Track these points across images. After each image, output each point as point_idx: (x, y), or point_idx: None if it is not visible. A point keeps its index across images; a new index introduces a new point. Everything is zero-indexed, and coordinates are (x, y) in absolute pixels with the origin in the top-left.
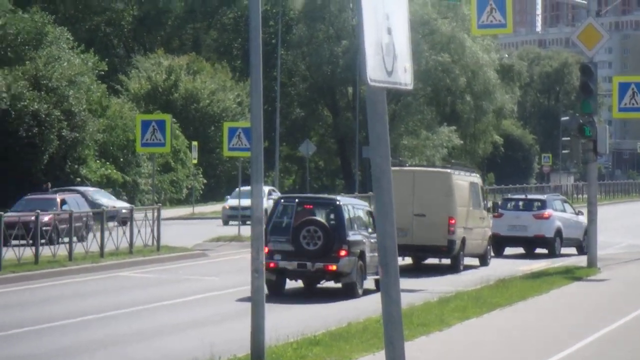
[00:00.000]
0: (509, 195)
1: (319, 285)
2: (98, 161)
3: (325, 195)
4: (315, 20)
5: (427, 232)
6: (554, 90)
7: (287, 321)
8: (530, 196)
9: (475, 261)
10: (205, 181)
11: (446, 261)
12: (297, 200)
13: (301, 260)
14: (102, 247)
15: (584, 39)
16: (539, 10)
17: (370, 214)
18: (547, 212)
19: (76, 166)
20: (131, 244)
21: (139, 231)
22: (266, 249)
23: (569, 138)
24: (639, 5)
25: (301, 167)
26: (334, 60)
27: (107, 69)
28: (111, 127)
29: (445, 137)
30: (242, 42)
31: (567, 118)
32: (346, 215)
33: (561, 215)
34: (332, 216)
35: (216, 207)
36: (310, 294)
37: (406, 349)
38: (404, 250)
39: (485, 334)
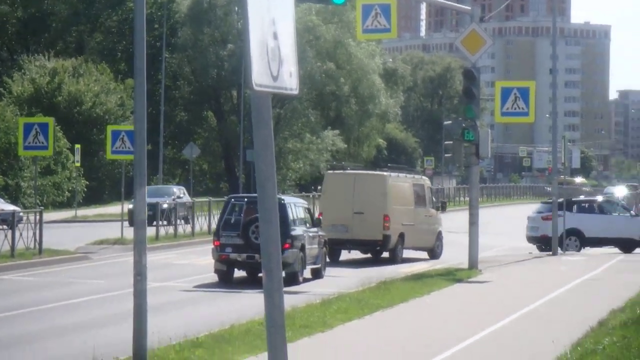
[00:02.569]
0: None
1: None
2: None
3: None
4: (201, 23)
5: (365, 228)
6: (437, 95)
7: (171, 324)
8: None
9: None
10: (87, 183)
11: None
12: (246, 199)
13: (250, 253)
14: None
15: (467, 44)
16: (423, 16)
17: (308, 210)
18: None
19: None
20: (13, 247)
21: (20, 234)
22: (217, 243)
23: (451, 142)
24: (522, 12)
25: (185, 170)
26: (220, 64)
27: None
28: None
29: (330, 140)
30: (126, 45)
31: (449, 122)
32: (289, 212)
33: (585, 216)
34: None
35: (99, 210)
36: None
37: (289, 350)
38: (345, 244)
39: (367, 336)
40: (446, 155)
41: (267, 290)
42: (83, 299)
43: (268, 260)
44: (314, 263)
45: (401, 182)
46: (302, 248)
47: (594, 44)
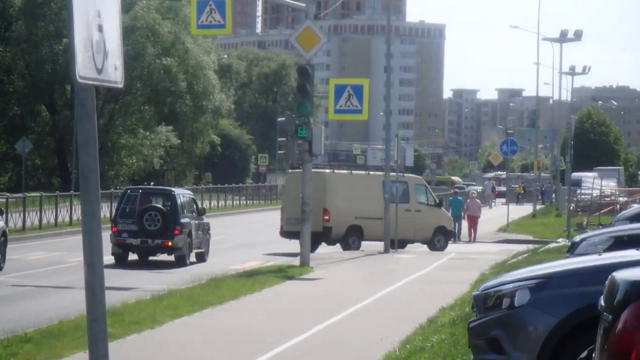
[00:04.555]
0: None
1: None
2: None
3: (164, 187)
4: (36, 17)
5: (312, 220)
6: (272, 91)
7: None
8: None
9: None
10: None
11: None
12: (140, 190)
13: (144, 238)
14: None
15: (302, 41)
16: (259, 12)
17: (194, 201)
18: None
19: None
20: None
21: None
22: (115, 229)
23: (284, 138)
24: (358, 10)
25: (17, 165)
26: (54, 58)
27: None
28: None
29: (164, 136)
30: None
31: (283, 119)
32: (179, 202)
33: None
34: (168, 203)
35: None
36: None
37: (117, 347)
38: (297, 235)
39: (196, 332)
40: (279, 152)
41: (89, 284)
42: None
43: (90, 254)
44: (199, 247)
45: (360, 180)
46: (190, 234)
47: (429, 42)
